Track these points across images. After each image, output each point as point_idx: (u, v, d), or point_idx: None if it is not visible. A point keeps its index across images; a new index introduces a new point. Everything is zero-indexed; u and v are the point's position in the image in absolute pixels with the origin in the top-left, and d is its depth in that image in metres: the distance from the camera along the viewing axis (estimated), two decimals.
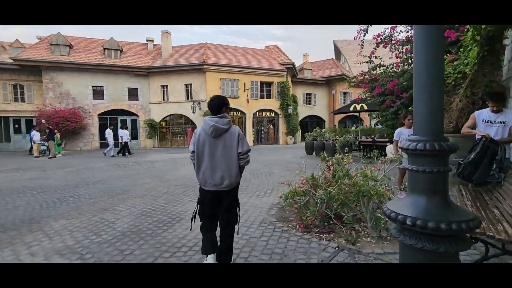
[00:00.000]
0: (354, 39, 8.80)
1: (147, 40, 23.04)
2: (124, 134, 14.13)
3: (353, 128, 19.78)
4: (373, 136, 11.00)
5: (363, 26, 8.54)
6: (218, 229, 2.61)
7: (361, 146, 11.98)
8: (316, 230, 3.46)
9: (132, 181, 7.11)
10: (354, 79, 9.59)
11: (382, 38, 8.63)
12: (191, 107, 19.17)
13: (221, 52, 21.77)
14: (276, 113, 22.53)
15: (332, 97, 26.46)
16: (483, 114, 3.68)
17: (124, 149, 14.24)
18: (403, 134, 4.51)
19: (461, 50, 5.10)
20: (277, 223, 3.82)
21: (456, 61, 5.18)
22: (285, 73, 21.99)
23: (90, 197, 5.43)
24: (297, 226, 3.66)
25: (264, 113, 22.27)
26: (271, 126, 22.79)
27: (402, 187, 4.16)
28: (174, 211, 4.46)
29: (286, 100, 21.99)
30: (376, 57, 8.90)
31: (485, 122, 3.63)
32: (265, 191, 5.70)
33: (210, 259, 2.50)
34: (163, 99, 20.77)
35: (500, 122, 3.50)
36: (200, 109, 19.63)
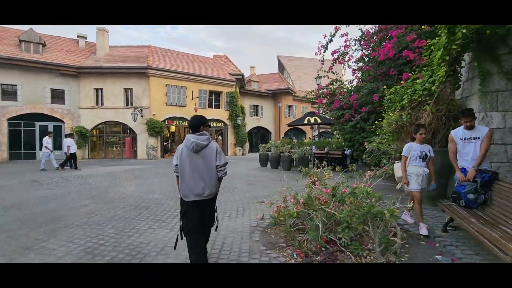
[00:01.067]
0: (316, 54, 8.97)
1: (78, 37, 20.17)
2: (72, 144, 11.94)
3: (305, 140, 20.39)
4: (325, 149, 11.31)
5: (323, 43, 8.77)
6: None
7: (314, 159, 12.22)
8: (319, 259, 3.00)
9: (62, 203, 5.62)
10: (313, 93, 9.73)
11: (338, 55, 8.96)
12: (132, 114, 17.22)
13: (167, 57, 20.38)
14: (224, 124, 21.93)
15: (278, 110, 27.18)
16: (459, 132, 3.81)
17: (71, 161, 11.95)
18: (414, 149, 3.98)
19: (424, 69, 5.43)
20: (269, 253, 3.23)
21: (418, 79, 5.49)
22: (234, 83, 21.71)
23: (2, 231, 3.97)
24: (294, 255, 3.13)
25: (213, 123, 21.43)
26: (220, 137, 22.05)
27: (409, 207, 3.96)
28: (132, 244, 3.48)
29: (235, 110, 21.63)
30: (333, 73, 9.20)
31: (463, 140, 3.76)
32: (237, 210, 5.05)
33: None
34: (97, 104, 18.24)
35: (476, 138, 3.65)
36: (142, 116, 17.80)
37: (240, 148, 22.13)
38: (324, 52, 8.83)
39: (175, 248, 2.87)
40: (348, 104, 8.15)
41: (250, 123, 25.80)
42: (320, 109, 9.99)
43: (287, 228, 3.48)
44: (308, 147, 10.70)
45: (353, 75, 8.83)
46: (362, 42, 8.69)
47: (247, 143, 23.54)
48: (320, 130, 33.28)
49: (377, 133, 6.76)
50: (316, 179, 4.20)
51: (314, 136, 30.76)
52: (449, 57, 4.48)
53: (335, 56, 8.88)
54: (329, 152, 11.02)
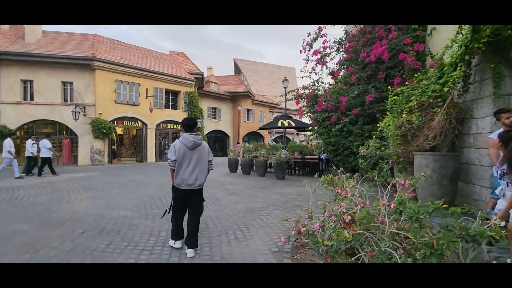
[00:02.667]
0: (300, 52, 8.48)
1: None
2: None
3: (277, 144, 19.85)
4: (301, 153, 10.90)
5: (309, 40, 8.33)
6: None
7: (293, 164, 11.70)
8: None
9: None
10: (294, 92, 9.19)
11: (321, 56, 8.62)
12: (72, 112, 14.60)
13: (117, 49, 18.01)
14: None
15: (238, 113, 26.41)
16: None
17: (45, 166, 9.98)
18: None
19: (430, 70, 5.25)
20: None
21: (422, 81, 5.29)
22: (193, 83, 20.28)
23: None
24: None
25: (170, 125, 19.63)
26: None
27: None
28: None
29: (195, 112, 20.18)
30: (316, 73, 8.82)
31: None
32: (240, 229, 4.08)
33: (179, 244, 3.29)
34: (25, 99, 15.07)
35: None
36: (85, 115, 15.25)
37: None
38: (309, 50, 8.40)
39: (161, 217, 3.61)
40: (334, 106, 7.79)
41: (208, 126, 24.49)
42: (301, 110, 9.49)
43: (343, 257, 2.69)
44: (285, 152, 10.12)
45: (336, 75, 8.55)
46: (344, 44, 8.49)
47: None
48: (277, 135, 33.59)
49: (374, 136, 6.47)
50: (344, 189, 3.51)
51: (271, 140, 30.89)
52: (469, 57, 4.28)
53: (318, 56, 8.51)
54: (304, 156, 10.62)
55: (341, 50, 8.70)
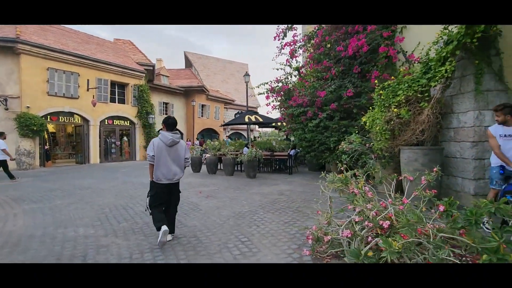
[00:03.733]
0: (274, 39, 8.05)
1: None
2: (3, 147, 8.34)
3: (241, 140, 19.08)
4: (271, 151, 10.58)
5: (283, 27, 7.96)
6: None
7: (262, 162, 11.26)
8: None
9: None
10: (267, 85, 8.74)
11: (296, 47, 8.35)
12: None
13: (49, 31, 15.28)
14: (131, 122, 18.30)
15: (192, 109, 25.03)
16: (499, 129, 3.61)
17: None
18: None
19: (413, 64, 5.30)
20: None
21: (405, 76, 5.34)
22: (143, 75, 18.43)
23: None
24: None
25: (116, 121, 17.52)
26: (125, 138, 18.25)
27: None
28: None
29: (146, 107, 18.40)
30: (289, 66, 8.52)
31: (503, 137, 3.56)
32: (240, 241, 3.48)
33: (164, 227, 3.19)
34: None
35: None
36: (7, 109, 12.58)
37: None
38: (283, 38, 8.03)
39: (145, 210, 3.73)
40: (310, 101, 7.59)
41: (160, 122, 22.64)
42: (273, 105, 9.11)
43: None
44: (258, 149, 9.65)
45: (300, 71, 8.34)
46: (316, 38, 8.35)
47: None
48: (232, 132, 33.00)
49: (356, 131, 6.42)
50: (361, 189, 3.20)
51: (225, 137, 30.18)
52: (460, 51, 4.37)
53: (292, 47, 8.21)
54: (273, 153, 10.32)
55: (309, 45, 8.52)
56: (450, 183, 5.17)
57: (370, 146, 6.03)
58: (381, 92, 5.40)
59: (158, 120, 21.72)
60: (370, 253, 2.34)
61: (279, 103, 8.64)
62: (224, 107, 30.75)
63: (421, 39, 6.19)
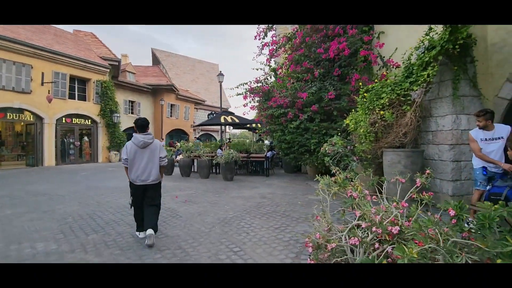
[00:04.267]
0: (255, 38, 7.82)
1: None
2: None
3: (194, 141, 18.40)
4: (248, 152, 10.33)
5: (264, 26, 7.78)
6: None
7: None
8: None
9: None
10: (246, 85, 8.47)
11: (276, 47, 8.22)
12: None
13: None
14: (93, 121, 16.88)
15: (160, 108, 23.89)
16: (479, 133, 3.74)
17: None
18: None
19: (391, 69, 5.41)
20: None
21: (387, 80, 5.44)
22: (108, 70, 17.13)
23: None
24: None
25: (76, 120, 16.03)
26: (86, 138, 16.78)
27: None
28: None
29: (110, 105, 17.11)
30: (269, 66, 8.35)
31: (483, 141, 3.70)
32: (233, 252, 3.18)
33: (142, 234, 3.54)
34: None
35: (499, 138, 3.66)
36: None
37: (117, 152, 17.67)
38: (264, 37, 7.85)
39: (131, 207, 3.67)
40: (291, 102, 7.48)
41: (126, 121, 21.21)
42: (253, 106, 8.85)
43: None
44: (234, 151, 9.33)
45: (277, 72, 8.22)
46: (295, 40, 8.31)
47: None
48: (202, 133, 32.17)
49: (338, 133, 6.42)
50: (361, 193, 3.08)
51: (194, 138, 29.31)
52: (441, 57, 4.51)
53: (273, 47, 8.07)
54: (250, 155, 10.09)
55: (288, 46, 8.45)
56: (429, 184, 5.34)
57: (351, 148, 6.06)
58: (365, 94, 5.44)
59: (123, 119, 20.38)
60: (385, 261, 2.21)
61: (257, 103, 8.42)
62: (195, 108, 29.91)
63: (398, 45, 6.39)
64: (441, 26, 4.53)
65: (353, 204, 3.10)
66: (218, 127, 33.09)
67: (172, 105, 26.01)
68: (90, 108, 16.42)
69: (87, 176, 10.15)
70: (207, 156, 9.39)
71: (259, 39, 7.98)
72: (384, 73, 6.61)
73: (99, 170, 12.30)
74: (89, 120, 16.65)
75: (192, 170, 10.19)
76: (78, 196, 6.38)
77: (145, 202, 3.56)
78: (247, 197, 6.15)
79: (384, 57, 6.75)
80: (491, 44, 4.97)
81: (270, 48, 8.09)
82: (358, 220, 2.82)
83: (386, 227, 2.49)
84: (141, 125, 3.57)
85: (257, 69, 8.70)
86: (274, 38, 8.69)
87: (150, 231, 3.30)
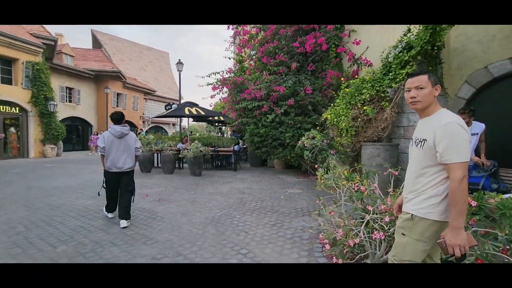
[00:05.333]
0: (228, 29, 7.38)
1: None
2: None
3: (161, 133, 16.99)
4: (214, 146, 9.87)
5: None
6: None
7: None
8: None
9: None
10: (219, 76, 7.99)
11: (249, 37, 7.93)
12: None
13: None
14: (23, 109, 14.33)
15: (105, 97, 21.51)
16: None
17: None
18: None
19: (362, 66, 5.64)
20: None
21: (367, 76, 5.65)
22: (41, 50, 14.65)
23: None
24: None
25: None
26: (13, 129, 14.17)
27: None
28: None
29: (44, 91, 14.69)
30: (241, 56, 8.02)
31: None
32: (243, 255, 2.91)
33: (111, 214, 4.04)
34: None
35: (475, 134, 4.07)
36: None
37: (53, 146, 15.34)
38: (237, 28, 7.47)
39: (98, 194, 4.53)
40: (265, 95, 7.32)
41: (63, 111, 18.57)
42: (226, 98, 8.39)
43: None
44: (198, 144, 8.81)
45: (244, 63, 8.00)
46: (267, 31, 8.14)
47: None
48: (152, 125, 30.09)
49: (318, 127, 6.48)
50: (368, 186, 3.10)
51: (141, 130, 27.31)
52: (421, 57, 4.81)
53: (246, 36, 7.76)
54: (217, 149, 9.68)
55: (259, 36, 8.25)
56: (401, 177, 5.75)
57: (327, 141, 6.19)
58: (346, 90, 5.56)
59: (60, 108, 17.74)
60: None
61: (227, 95, 8.02)
62: (144, 98, 27.74)
63: (369, 43, 6.71)
64: (418, 27, 4.83)
65: (362, 198, 3.10)
66: (171, 119, 31.42)
67: (118, 94, 23.66)
68: (17, 93, 13.87)
69: (22, 174, 8.55)
70: (171, 150, 8.69)
71: (232, 29, 7.58)
72: (356, 70, 6.90)
73: (35, 167, 10.50)
74: (17, 108, 14.07)
75: (154, 165, 9.37)
76: (20, 198, 5.27)
77: (121, 188, 3.90)
78: (226, 193, 5.84)
79: (355, 54, 7.02)
80: (452, 49, 5.50)
81: (242, 38, 7.76)
82: (372, 214, 2.81)
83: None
84: (117, 119, 3.88)
85: (229, 58, 8.29)
86: (245, 28, 8.40)
87: (124, 223, 3.67)
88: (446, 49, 5.45)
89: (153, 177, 8.06)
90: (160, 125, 31.71)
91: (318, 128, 6.47)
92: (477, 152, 4.16)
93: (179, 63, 13.68)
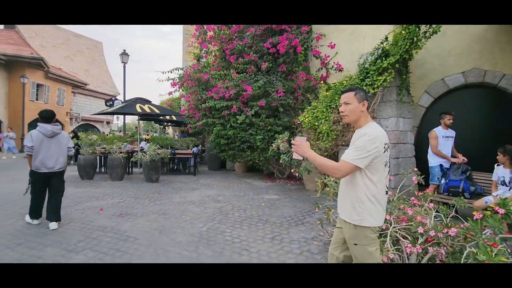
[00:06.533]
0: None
1: None
2: None
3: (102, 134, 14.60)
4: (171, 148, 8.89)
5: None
6: None
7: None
8: None
9: None
10: (182, 72, 7.14)
11: (215, 32, 7.35)
12: None
13: None
14: None
15: (21, 88, 17.86)
16: (441, 131, 4.37)
17: None
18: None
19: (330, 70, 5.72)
20: None
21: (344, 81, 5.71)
22: None
23: None
24: None
25: None
26: None
27: None
28: None
29: None
30: (206, 52, 7.37)
31: (444, 138, 4.34)
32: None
33: (36, 221, 3.72)
34: None
35: (452, 137, 4.38)
36: None
37: None
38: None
39: (24, 194, 3.86)
40: (235, 94, 6.85)
41: None
42: (188, 96, 7.54)
43: None
44: (149, 145, 7.80)
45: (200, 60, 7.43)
46: (232, 28, 7.70)
47: None
48: (81, 123, 26.33)
49: (297, 130, 6.28)
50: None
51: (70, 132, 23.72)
52: (398, 64, 5.01)
53: (211, 32, 7.15)
54: (175, 151, 8.77)
55: (223, 32, 7.76)
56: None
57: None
58: (326, 93, 5.51)
59: None
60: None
61: (187, 93, 7.26)
62: (72, 91, 24.09)
63: (338, 49, 6.85)
64: (396, 34, 5.02)
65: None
66: (104, 117, 27.94)
67: (39, 85, 19.98)
68: None
69: None
70: (121, 153, 7.48)
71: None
72: (327, 74, 6.98)
73: None
74: None
75: (98, 170, 7.96)
76: None
77: (51, 190, 3.74)
78: (198, 202, 5.19)
79: (322, 58, 7.09)
80: (415, 60, 5.94)
81: (203, 34, 7.13)
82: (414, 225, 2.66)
83: (441, 230, 2.42)
84: (47, 117, 3.70)
85: (193, 53, 7.53)
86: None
87: (53, 225, 3.55)
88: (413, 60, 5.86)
89: (100, 185, 6.79)
90: (91, 123, 28.00)
91: (296, 130, 6.29)
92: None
93: (124, 54, 12.12)
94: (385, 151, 1.67)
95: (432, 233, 2.40)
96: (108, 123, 30.62)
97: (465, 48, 5.66)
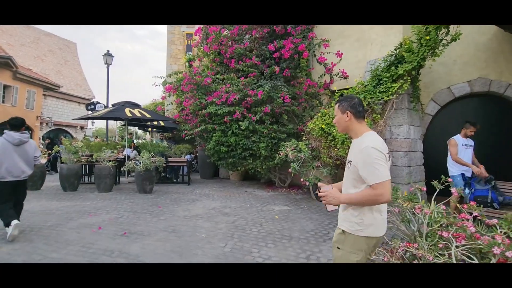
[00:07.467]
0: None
1: None
2: None
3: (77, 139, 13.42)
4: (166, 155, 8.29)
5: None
6: None
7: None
8: None
9: None
10: (181, 75, 6.64)
11: (216, 34, 6.98)
12: None
13: None
14: None
15: None
16: (460, 139, 4.29)
17: None
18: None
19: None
20: None
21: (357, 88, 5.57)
22: None
23: None
24: None
25: None
26: None
27: None
28: None
29: None
30: (207, 54, 6.95)
31: (464, 146, 4.26)
32: None
33: (15, 221, 3.46)
34: None
35: (471, 145, 4.31)
36: None
37: None
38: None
39: None
40: (238, 100, 6.49)
41: None
42: (187, 100, 7.00)
43: None
44: (153, 154, 7.21)
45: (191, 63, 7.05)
46: (232, 31, 7.39)
47: None
48: (53, 127, 24.49)
49: (304, 137, 6.01)
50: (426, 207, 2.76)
51: (40, 138, 21.97)
52: (414, 71, 4.93)
53: (212, 35, 6.77)
54: (168, 159, 8.19)
55: (223, 35, 7.43)
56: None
57: (310, 153, 5.84)
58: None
59: None
60: None
61: (185, 97, 6.78)
62: (43, 94, 22.39)
63: (343, 56, 6.74)
64: (412, 40, 4.94)
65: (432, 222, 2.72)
66: (78, 122, 26.20)
67: (6, 87, 18.31)
68: None
69: None
70: (111, 161, 6.80)
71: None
72: (331, 80, 6.83)
73: None
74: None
75: (83, 180, 7.19)
76: None
77: (16, 197, 3.74)
78: (206, 216, 4.74)
79: (328, 65, 6.96)
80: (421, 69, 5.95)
81: (202, 37, 6.74)
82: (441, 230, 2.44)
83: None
84: (15, 125, 3.65)
85: (186, 57, 7.10)
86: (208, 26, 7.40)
87: (16, 221, 3.47)
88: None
89: (87, 197, 6.08)
90: (64, 128, 26.15)
91: (304, 138, 6.03)
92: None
93: (108, 54, 11.32)
94: (387, 161, 1.64)
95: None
96: (82, 128, 28.78)
97: (471, 57, 5.75)
